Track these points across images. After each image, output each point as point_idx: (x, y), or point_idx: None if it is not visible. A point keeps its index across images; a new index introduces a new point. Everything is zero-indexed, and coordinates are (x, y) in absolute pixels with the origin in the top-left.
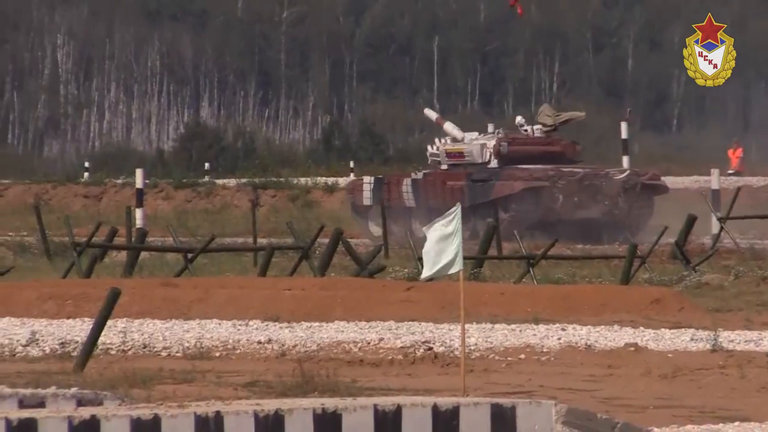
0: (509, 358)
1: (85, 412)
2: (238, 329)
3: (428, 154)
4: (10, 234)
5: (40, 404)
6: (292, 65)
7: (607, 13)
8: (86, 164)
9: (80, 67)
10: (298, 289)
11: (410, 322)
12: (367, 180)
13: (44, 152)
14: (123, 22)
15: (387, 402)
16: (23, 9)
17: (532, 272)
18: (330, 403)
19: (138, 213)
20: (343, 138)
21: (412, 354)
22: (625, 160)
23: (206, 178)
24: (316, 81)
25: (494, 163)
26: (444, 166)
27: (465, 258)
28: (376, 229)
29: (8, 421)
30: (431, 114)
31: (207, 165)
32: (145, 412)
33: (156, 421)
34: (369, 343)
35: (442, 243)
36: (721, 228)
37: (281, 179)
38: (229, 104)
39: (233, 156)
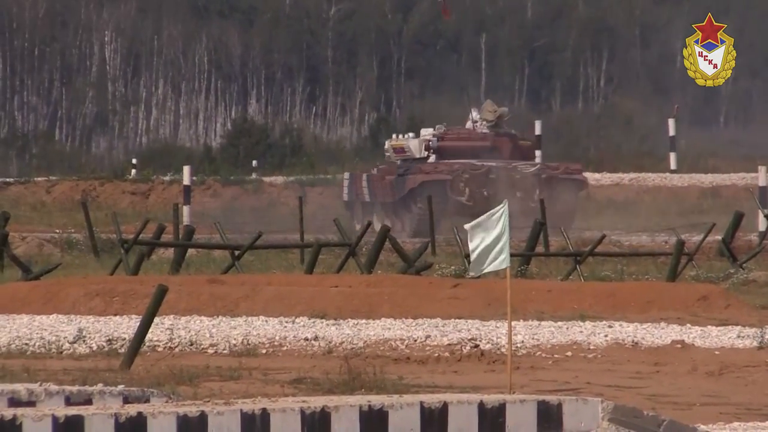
0: (556, 356)
1: (132, 409)
2: (285, 326)
3: (385, 149)
4: (58, 231)
5: (87, 401)
6: (340, 62)
7: (655, 9)
8: (134, 161)
9: (128, 63)
10: (345, 286)
11: (457, 320)
12: (346, 176)
13: (92, 149)
14: (171, 18)
15: (433, 399)
16: (71, 6)
17: (579, 269)
18: (376, 400)
19: (185, 210)
20: (390, 134)
21: (459, 351)
22: (672, 157)
23: (253, 175)
24: (364, 77)
25: (433, 158)
26: (398, 162)
27: (512, 255)
28: (355, 224)
29: (55, 418)
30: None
31: (254, 162)
32: (191, 409)
33: (202, 418)
34: (415, 341)
35: (488, 240)
36: None
37: (328, 176)
38: (276, 101)
39: (280, 153)
